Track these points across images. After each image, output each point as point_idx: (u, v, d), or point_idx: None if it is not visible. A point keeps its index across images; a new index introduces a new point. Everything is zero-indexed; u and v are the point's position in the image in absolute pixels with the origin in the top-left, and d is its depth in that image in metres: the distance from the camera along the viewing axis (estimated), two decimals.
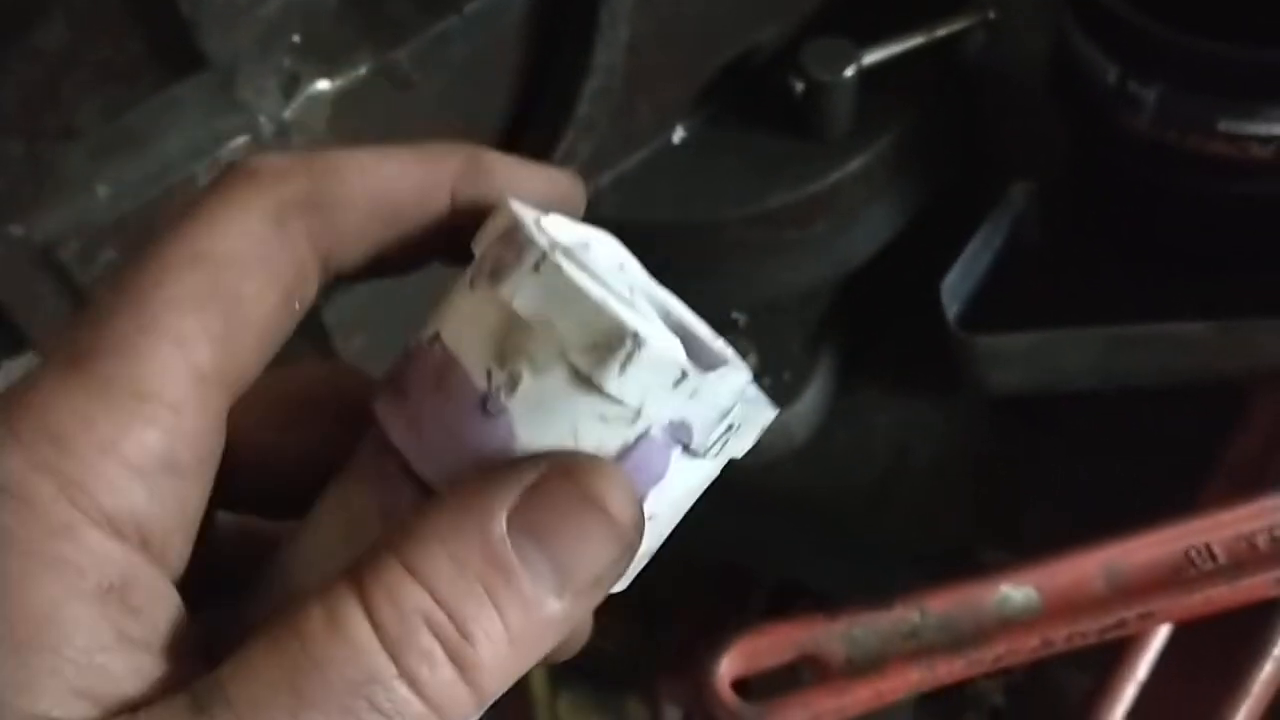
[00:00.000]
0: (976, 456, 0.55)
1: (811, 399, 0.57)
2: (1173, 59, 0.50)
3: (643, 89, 0.53)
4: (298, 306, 0.22)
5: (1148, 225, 0.56)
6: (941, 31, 0.55)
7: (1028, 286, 0.57)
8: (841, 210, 0.56)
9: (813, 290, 0.58)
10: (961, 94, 0.59)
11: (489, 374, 0.20)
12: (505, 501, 0.20)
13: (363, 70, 0.46)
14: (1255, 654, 0.44)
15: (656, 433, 0.21)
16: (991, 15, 0.56)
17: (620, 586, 0.22)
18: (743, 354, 0.57)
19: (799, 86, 0.54)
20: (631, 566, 0.22)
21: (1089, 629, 0.43)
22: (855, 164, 0.55)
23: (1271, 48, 0.48)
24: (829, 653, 0.43)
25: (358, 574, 0.19)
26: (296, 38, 0.46)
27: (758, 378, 0.56)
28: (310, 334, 0.52)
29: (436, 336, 0.21)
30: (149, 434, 0.20)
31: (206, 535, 0.22)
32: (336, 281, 0.23)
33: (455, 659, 0.19)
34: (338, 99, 0.46)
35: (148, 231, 0.39)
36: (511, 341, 0.20)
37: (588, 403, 0.20)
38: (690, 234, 0.56)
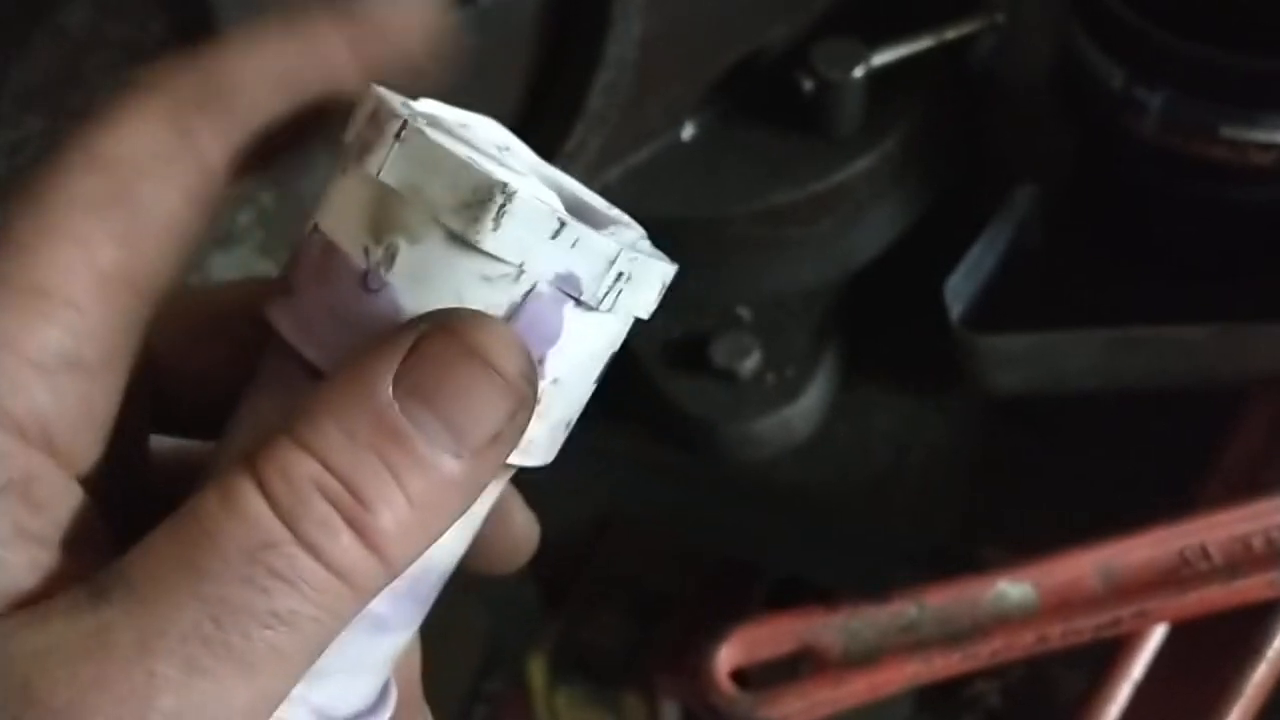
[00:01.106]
0: (976, 455, 0.56)
1: (814, 395, 0.57)
2: (1177, 64, 0.50)
3: (653, 85, 0.54)
4: (207, 206, 0.22)
5: (1150, 229, 0.56)
6: (951, 34, 0.56)
7: (1031, 288, 0.57)
8: (847, 209, 0.57)
9: (817, 287, 0.59)
10: (968, 96, 0.60)
11: (366, 251, 0.20)
12: (389, 366, 0.19)
13: None
14: (1249, 655, 0.45)
15: (544, 288, 0.21)
16: (1000, 19, 0.56)
17: (540, 460, 0.22)
18: (748, 347, 0.58)
19: (808, 85, 0.55)
20: (551, 437, 0.22)
21: (1084, 626, 0.43)
22: (862, 163, 0.56)
23: (1274, 55, 0.48)
24: (826, 644, 0.44)
25: (251, 455, 0.19)
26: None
27: (762, 373, 0.57)
28: None
29: (315, 228, 0.21)
30: (49, 331, 0.20)
31: (137, 456, 0.22)
32: (240, 179, 0.22)
33: (354, 525, 0.19)
34: None
35: None
36: (384, 215, 0.20)
37: (468, 264, 0.20)
38: (697, 229, 0.56)
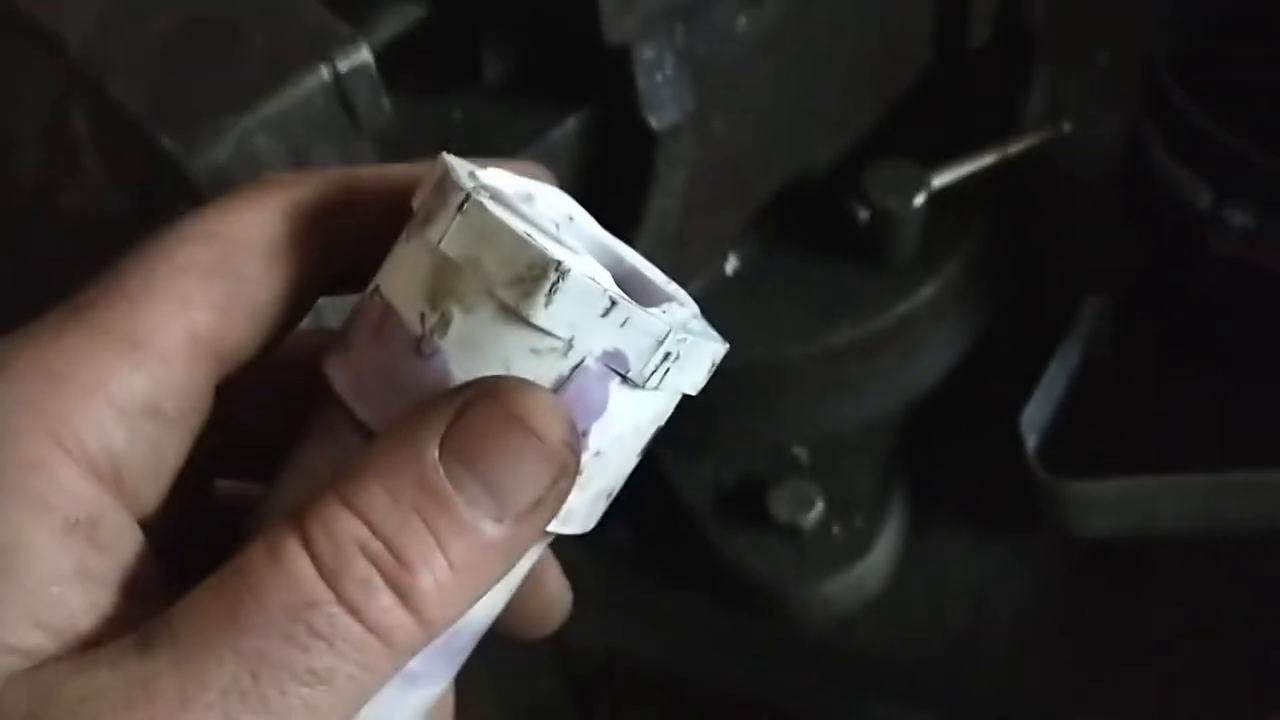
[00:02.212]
0: (1063, 606, 0.52)
1: (884, 545, 0.53)
2: (1271, 182, 0.46)
3: (696, 222, 0.49)
4: (301, 299, 0.23)
5: (1239, 348, 0.52)
6: (1015, 148, 0.52)
7: (1111, 415, 0.53)
8: (908, 341, 0.53)
9: (879, 424, 0.54)
10: (1030, 207, 0.56)
11: (422, 317, 0.21)
12: (435, 430, 0.20)
13: None
14: None
15: (591, 364, 0.21)
16: (1067, 128, 0.52)
17: (579, 528, 0.22)
18: (810, 497, 0.53)
19: (864, 214, 0.50)
20: (592, 507, 0.22)
21: None
22: (923, 293, 0.52)
23: None
24: None
25: (298, 513, 0.20)
26: None
27: (827, 525, 0.53)
28: None
29: (376, 289, 0.22)
30: (136, 378, 0.21)
31: (200, 501, 0.23)
32: (338, 291, 0.23)
33: (395, 586, 0.19)
34: None
35: None
36: (441, 283, 0.21)
37: (518, 336, 0.21)
38: (747, 371, 0.52)
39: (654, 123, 0.43)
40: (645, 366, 0.21)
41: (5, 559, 0.19)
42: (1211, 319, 0.52)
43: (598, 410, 0.21)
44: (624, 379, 0.21)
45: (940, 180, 0.50)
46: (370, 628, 0.19)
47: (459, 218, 0.20)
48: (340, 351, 0.22)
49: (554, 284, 0.20)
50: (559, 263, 0.20)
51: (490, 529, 0.20)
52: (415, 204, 0.22)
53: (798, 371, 0.52)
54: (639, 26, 0.38)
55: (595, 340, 0.21)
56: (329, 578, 0.19)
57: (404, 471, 0.20)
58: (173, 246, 0.21)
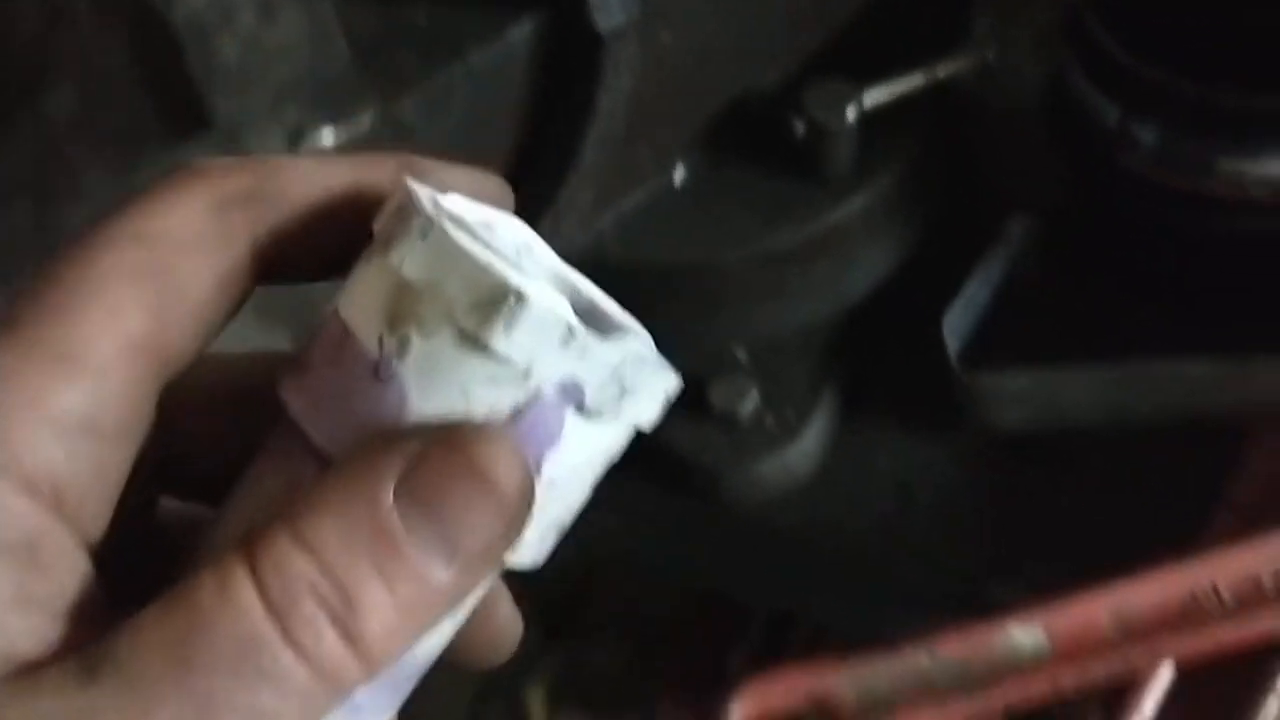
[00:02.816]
0: (982, 494, 0.55)
1: (814, 435, 0.57)
2: (1173, 102, 0.50)
3: (643, 132, 0.54)
4: (235, 294, 0.22)
5: (1147, 261, 0.56)
6: (941, 72, 0.56)
7: (1028, 321, 0.57)
8: (842, 249, 0.57)
9: (813, 326, 0.59)
10: (960, 131, 0.60)
11: (380, 340, 0.21)
12: (393, 470, 0.20)
13: (366, 121, 0.47)
14: (1260, 692, 0.45)
15: (548, 392, 0.21)
16: (990, 56, 0.56)
17: (530, 561, 0.23)
18: (746, 389, 0.58)
19: (800, 128, 0.54)
20: (542, 539, 0.22)
21: (1097, 671, 0.43)
22: (856, 204, 0.56)
23: (1270, 91, 0.48)
24: (839, 697, 0.43)
25: (250, 543, 0.20)
26: (300, 95, 0.46)
27: (760, 415, 0.57)
28: None
29: (336, 311, 0.22)
30: (71, 394, 0.20)
31: (144, 518, 0.23)
32: (273, 281, 0.23)
33: (340, 627, 0.19)
34: (342, 150, 0.46)
35: None
36: (401, 307, 0.21)
37: (477, 363, 0.21)
38: (691, 274, 0.56)
39: (600, 24, 0.47)
40: (602, 397, 0.21)
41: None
42: (1124, 235, 0.56)
43: (552, 439, 0.21)
44: (580, 409, 0.21)
45: (872, 98, 0.55)
46: (313, 667, 0.19)
47: (420, 242, 0.21)
48: (296, 373, 0.22)
49: (514, 311, 0.20)
50: (519, 290, 0.20)
51: (440, 573, 0.20)
52: (376, 227, 0.22)
53: (737, 276, 0.56)
54: None
55: (552, 369, 0.21)
56: (277, 614, 0.19)
57: (358, 509, 0.20)
58: (99, 251, 0.21)
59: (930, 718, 0.43)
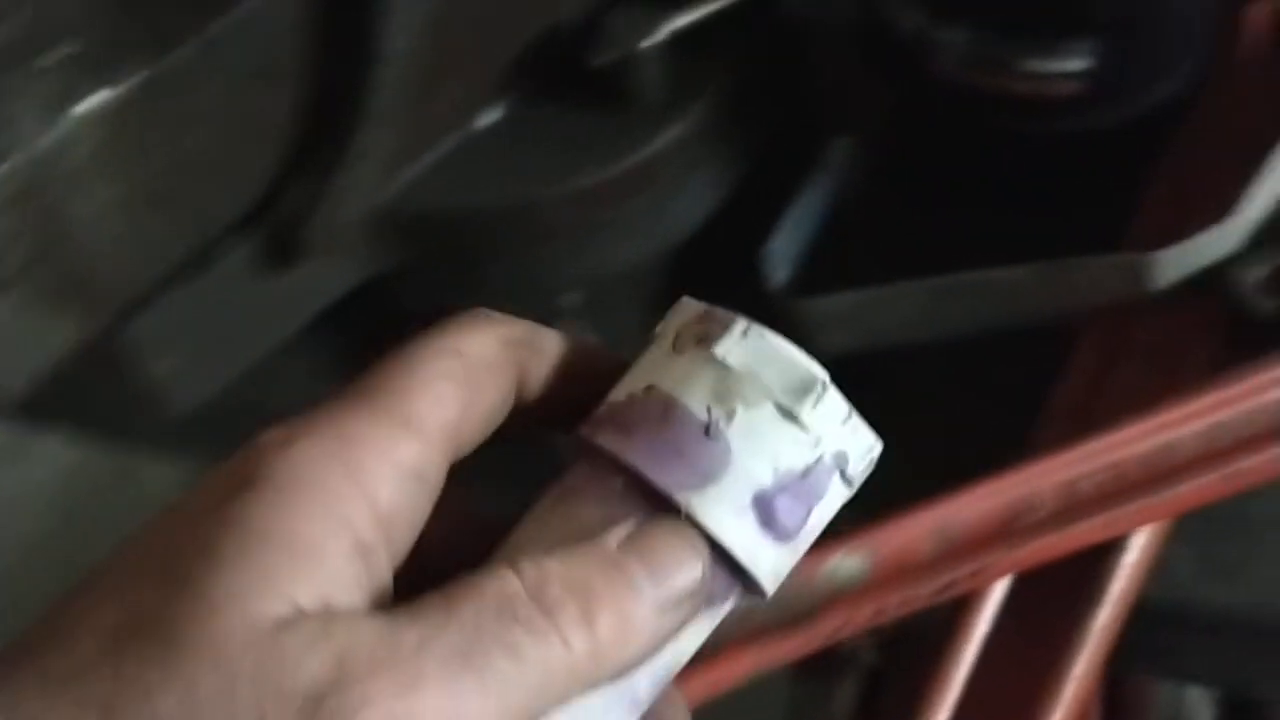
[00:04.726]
0: None
1: None
2: (972, 3, 0.49)
3: (444, 73, 0.51)
4: (503, 413, 0.30)
5: (963, 170, 0.55)
6: None
7: (853, 245, 0.56)
8: (660, 183, 0.55)
9: (641, 266, 0.57)
10: (775, 53, 0.58)
11: (709, 409, 0.27)
12: (615, 536, 0.27)
13: (136, 81, 0.44)
14: (1091, 600, 0.44)
15: (827, 459, 0.28)
16: None
17: (768, 596, 0.29)
18: (574, 333, 0.56)
19: (604, 57, 0.53)
20: (774, 574, 0.29)
21: (920, 592, 0.42)
22: (670, 134, 0.54)
23: None
24: None
25: (513, 556, 0.27)
26: (62, 51, 0.44)
27: None
28: (115, 354, 0.50)
29: (651, 388, 0.28)
30: (409, 449, 0.27)
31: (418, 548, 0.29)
32: (514, 420, 0.30)
33: (579, 604, 0.26)
34: (112, 114, 0.44)
35: None
36: (725, 387, 0.27)
37: (785, 431, 0.27)
38: (504, 218, 0.54)
39: None
40: (858, 468, 0.29)
41: (309, 555, 0.25)
42: (939, 145, 0.56)
43: (821, 495, 0.28)
44: (842, 475, 0.28)
45: (679, 22, 0.53)
46: (555, 624, 0.25)
47: (742, 339, 0.28)
48: (619, 433, 0.28)
49: (819, 395, 0.27)
50: (825, 380, 0.28)
51: (649, 591, 0.27)
52: (665, 330, 0.29)
53: (554, 217, 0.54)
54: None
55: (833, 442, 0.28)
56: (531, 589, 0.26)
57: (589, 548, 0.27)
58: (429, 356, 0.28)
59: (755, 657, 0.42)
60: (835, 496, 0.28)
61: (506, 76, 0.55)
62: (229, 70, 0.46)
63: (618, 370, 0.30)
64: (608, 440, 0.28)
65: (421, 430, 0.28)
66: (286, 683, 0.24)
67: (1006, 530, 0.43)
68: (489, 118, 0.55)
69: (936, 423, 0.51)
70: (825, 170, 0.57)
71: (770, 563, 0.28)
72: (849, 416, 0.28)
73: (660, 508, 0.27)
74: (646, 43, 0.52)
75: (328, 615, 0.25)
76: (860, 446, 0.28)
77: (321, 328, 0.56)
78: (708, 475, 0.27)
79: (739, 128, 0.57)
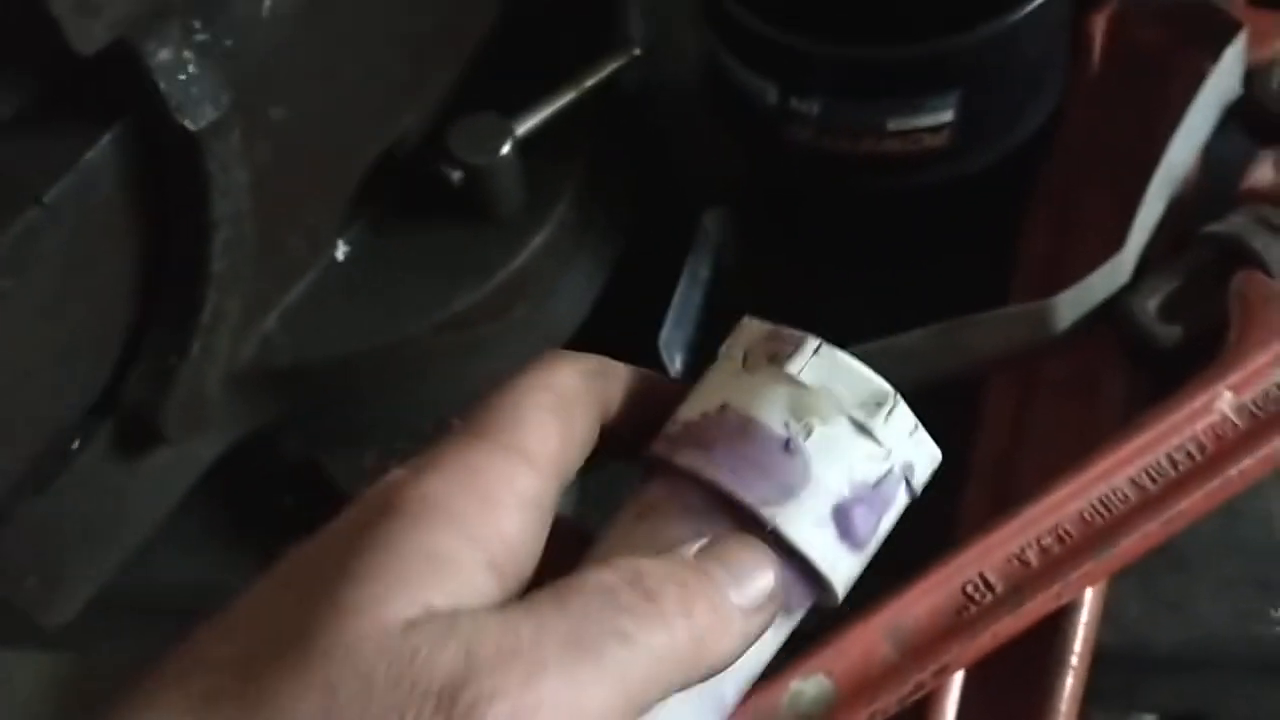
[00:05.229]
0: None
1: None
2: (831, 71, 0.48)
3: (283, 220, 0.48)
4: (591, 444, 0.31)
5: (838, 230, 0.54)
6: (590, 81, 0.51)
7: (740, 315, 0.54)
8: (534, 292, 0.52)
9: None
10: (627, 135, 0.56)
11: (786, 425, 0.28)
12: (690, 549, 0.29)
13: None
14: (1055, 669, 0.43)
15: (897, 469, 0.29)
16: (638, 52, 0.52)
17: (839, 599, 0.30)
18: None
19: (456, 175, 0.49)
20: (847, 581, 0.30)
21: (889, 701, 0.40)
22: (535, 242, 0.51)
23: (921, 40, 0.46)
24: None
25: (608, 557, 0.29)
26: None
27: None
28: None
29: (725, 406, 0.29)
30: (528, 480, 0.29)
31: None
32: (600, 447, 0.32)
33: (679, 599, 0.27)
34: None
35: None
36: (802, 403, 0.28)
37: (860, 444, 0.29)
38: (378, 358, 0.51)
39: (189, 125, 0.41)
40: (923, 478, 0.30)
41: (445, 565, 0.26)
42: (812, 210, 0.54)
43: (889, 504, 0.30)
44: (908, 485, 0.30)
45: (525, 126, 0.50)
46: (659, 610, 0.27)
47: (815, 357, 0.29)
48: (698, 450, 0.29)
49: (891, 408, 0.29)
50: (895, 393, 0.29)
51: (733, 597, 0.28)
52: (734, 349, 0.30)
53: (431, 344, 0.51)
54: (116, 32, 0.36)
55: (902, 453, 0.29)
56: (631, 581, 0.27)
57: (671, 558, 0.28)
58: (526, 392, 0.30)
59: None
60: (901, 504, 0.30)
61: (353, 207, 0.51)
62: (46, 266, 0.42)
63: (680, 395, 0.31)
64: (687, 458, 0.29)
65: (535, 462, 0.29)
66: (421, 680, 0.24)
67: (962, 619, 0.41)
68: (344, 250, 0.51)
69: None
70: (701, 246, 0.54)
71: (846, 571, 0.29)
72: (916, 429, 0.29)
73: (741, 521, 0.28)
74: (496, 153, 0.49)
75: (453, 614, 0.26)
76: (925, 457, 0.30)
77: (195, 494, 0.52)
78: (789, 489, 0.28)
79: (604, 219, 0.54)
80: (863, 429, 0.29)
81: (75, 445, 0.46)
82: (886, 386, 0.29)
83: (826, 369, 0.29)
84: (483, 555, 0.27)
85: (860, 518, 0.29)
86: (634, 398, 0.32)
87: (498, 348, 0.53)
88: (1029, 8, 0.45)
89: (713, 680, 0.28)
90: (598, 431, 0.31)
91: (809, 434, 0.28)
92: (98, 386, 0.46)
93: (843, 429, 0.28)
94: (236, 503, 0.56)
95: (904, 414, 0.29)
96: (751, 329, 0.31)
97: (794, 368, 0.29)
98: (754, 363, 0.30)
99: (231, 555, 0.55)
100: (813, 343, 0.29)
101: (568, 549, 0.30)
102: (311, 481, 0.54)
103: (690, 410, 0.30)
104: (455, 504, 0.27)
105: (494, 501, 0.28)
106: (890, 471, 0.29)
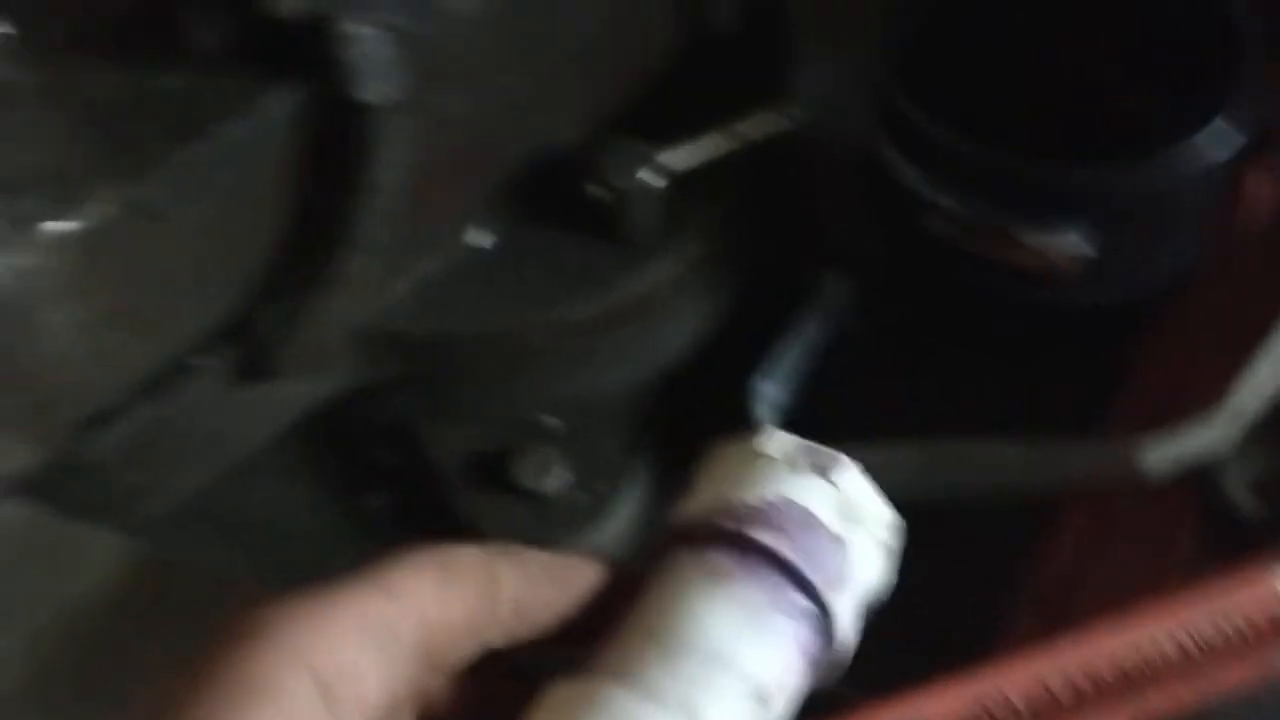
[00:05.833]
0: None
1: (626, 511, 0.54)
2: (976, 172, 0.48)
3: (433, 200, 0.50)
4: (484, 608, 0.31)
5: (953, 321, 0.55)
6: (745, 133, 0.53)
7: (842, 384, 0.55)
8: (650, 314, 0.54)
9: (624, 395, 0.56)
10: (773, 186, 0.57)
11: (835, 523, 0.32)
12: None
13: (109, 206, 0.43)
14: None
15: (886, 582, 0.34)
16: (796, 114, 0.54)
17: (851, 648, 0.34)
18: (550, 464, 0.55)
19: (599, 193, 0.52)
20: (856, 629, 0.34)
21: None
22: (660, 269, 0.53)
23: (1067, 162, 0.46)
24: None
25: None
26: (35, 171, 0.42)
27: (571, 490, 0.54)
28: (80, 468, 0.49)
29: (789, 500, 0.32)
30: (378, 604, 0.29)
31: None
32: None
33: None
34: (82, 241, 0.42)
35: None
36: (846, 511, 0.33)
37: (880, 558, 0.33)
38: (492, 344, 0.53)
39: (368, 97, 0.44)
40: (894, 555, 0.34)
41: (266, 692, 0.27)
42: (931, 296, 0.55)
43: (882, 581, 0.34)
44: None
45: (671, 160, 0.52)
46: None
47: (852, 474, 0.33)
48: (778, 534, 0.32)
49: (897, 535, 0.34)
50: (901, 525, 0.34)
51: None
52: (776, 453, 0.33)
53: (539, 345, 0.53)
54: (314, 7, 0.39)
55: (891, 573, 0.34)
56: None
57: None
58: (416, 551, 0.31)
59: None
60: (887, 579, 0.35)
61: (497, 202, 0.54)
62: (206, 196, 0.45)
63: (590, 581, 0.32)
64: (764, 535, 0.32)
65: (394, 593, 0.29)
66: None
67: None
68: (484, 240, 0.54)
69: (908, 594, 0.50)
70: (817, 307, 0.56)
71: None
72: (893, 536, 0.34)
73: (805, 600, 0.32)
74: (642, 181, 0.51)
75: None
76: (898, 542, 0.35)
77: (288, 435, 0.55)
78: (838, 580, 0.32)
79: (731, 261, 0.56)
80: (883, 546, 0.34)
81: (198, 363, 0.50)
82: (895, 516, 0.34)
83: (860, 488, 0.33)
84: (307, 678, 0.27)
85: (863, 614, 0.33)
86: (544, 579, 0.32)
87: (602, 359, 0.55)
88: (1164, 158, 0.45)
89: None
90: (491, 598, 0.31)
91: (852, 537, 0.32)
92: (229, 315, 0.49)
93: (872, 541, 0.33)
94: (333, 449, 0.59)
95: (899, 532, 0.34)
96: (783, 440, 0.34)
97: (838, 479, 0.33)
98: (801, 468, 0.33)
99: (317, 498, 0.58)
100: (849, 460, 0.34)
101: (498, 691, 0.31)
102: (406, 445, 0.56)
103: (741, 495, 0.33)
104: (287, 626, 0.28)
105: (331, 622, 0.28)
106: (886, 584, 0.34)
